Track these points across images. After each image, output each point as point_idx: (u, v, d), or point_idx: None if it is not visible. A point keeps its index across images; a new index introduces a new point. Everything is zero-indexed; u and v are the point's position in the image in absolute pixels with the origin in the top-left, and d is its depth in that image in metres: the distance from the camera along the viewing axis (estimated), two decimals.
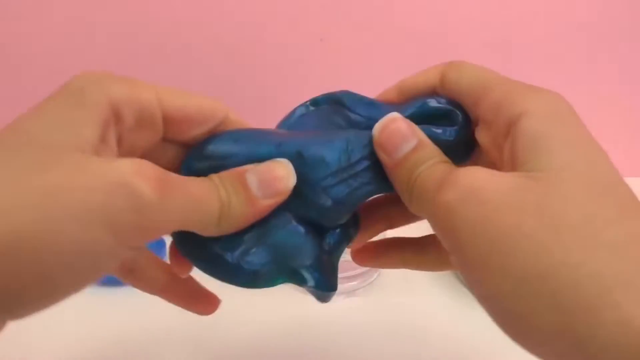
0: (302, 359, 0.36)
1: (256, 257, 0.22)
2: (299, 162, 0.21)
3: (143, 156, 0.20)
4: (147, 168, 0.17)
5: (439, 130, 0.22)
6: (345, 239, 0.24)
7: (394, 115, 0.22)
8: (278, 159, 0.22)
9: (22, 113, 0.19)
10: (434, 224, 0.20)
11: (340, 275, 0.43)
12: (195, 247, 0.22)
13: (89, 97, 0.19)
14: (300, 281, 0.22)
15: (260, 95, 0.60)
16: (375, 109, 0.24)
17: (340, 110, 0.25)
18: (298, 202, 0.22)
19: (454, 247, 0.18)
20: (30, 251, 0.15)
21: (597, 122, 0.66)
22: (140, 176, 0.17)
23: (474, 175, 0.18)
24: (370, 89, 0.66)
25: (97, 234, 0.16)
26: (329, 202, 0.22)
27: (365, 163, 0.22)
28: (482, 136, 0.21)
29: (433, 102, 0.23)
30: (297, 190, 0.21)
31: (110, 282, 0.43)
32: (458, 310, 0.41)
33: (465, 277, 0.19)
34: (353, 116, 0.24)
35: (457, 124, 0.23)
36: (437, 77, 0.23)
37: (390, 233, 0.27)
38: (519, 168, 0.18)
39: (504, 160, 0.19)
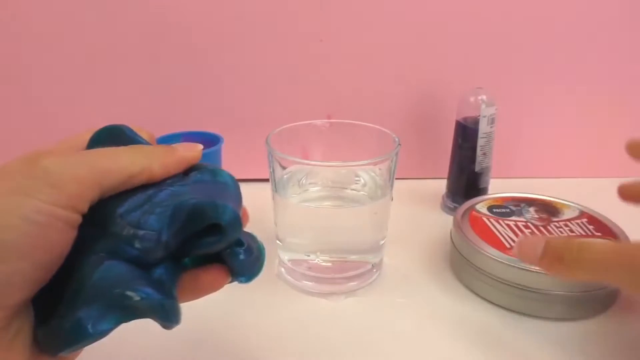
0: (302, 359, 0.37)
1: (79, 312, 0.21)
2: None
3: None
4: None
5: None
6: (177, 269, 0.25)
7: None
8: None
9: None
10: None
11: (340, 275, 0.43)
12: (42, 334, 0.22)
13: None
14: (132, 306, 0.22)
15: (261, 95, 0.60)
16: None
17: None
18: (105, 240, 0.23)
19: None
20: None
21: (600, 122, 0.67)
22: None
23: None
24: (370, 89, 0.66)
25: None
26: (131, 231, 0.23)
27: (167, 190, 0.24)
28: None
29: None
30: (103, 231, 0.23)
31: None
32: (457, 311, 0.41)
33: None
34: None
35: None
36: None
37: None
38: None
39: None
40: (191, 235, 0.23)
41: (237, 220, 0.24)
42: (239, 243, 0.25)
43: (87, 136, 0.26)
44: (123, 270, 0.22)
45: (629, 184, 0.39)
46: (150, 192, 0.24)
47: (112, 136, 0.26)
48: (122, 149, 0.24)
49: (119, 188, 0.23)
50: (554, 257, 0.32)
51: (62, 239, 0.22)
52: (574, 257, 0.31)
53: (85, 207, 0.22)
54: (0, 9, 0.55)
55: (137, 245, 0.23)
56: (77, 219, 0.22)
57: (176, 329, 0.39)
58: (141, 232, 0.23)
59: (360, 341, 0.38)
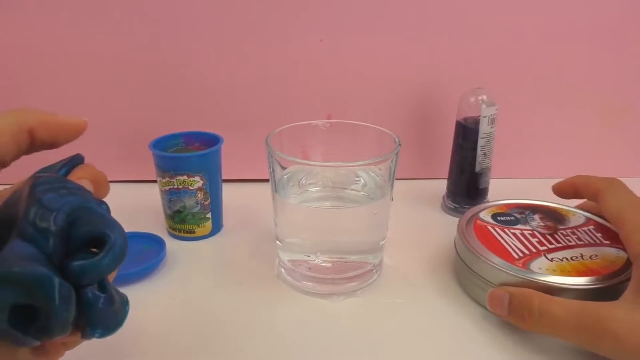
0: (302, 359, 0.36)
1: None
2: None
3: None
4: None
5: None
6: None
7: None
8: None
9: None
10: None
11: (340, 275, 0.43)
12: None
13: None
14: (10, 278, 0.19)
15: (261, 95, 0.60)
16: None
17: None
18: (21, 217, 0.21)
19: None
20: None
21: (600, 123, 0.67)
22: None
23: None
24: (370, 89, 0.66)
25: None
26: (32, 207, 0.21)
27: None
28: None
29: None
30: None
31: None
32: (457, 312, 0.41)
33: None
34: None
35: None
36: (594, 192, 0.40)
37: None
38: None
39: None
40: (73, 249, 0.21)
41: (125, 243, 0.22)
42: (102, 287, 0.22)
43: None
44: (25, 251, 0.20)
45: (559, 184, 0.45)
46: (67, 181, 0.23)
47: None
48: None
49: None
50: (517, 316, 0.36)
51: None
52: (534, 320, 0.35)
53: None
54: (4, 9, 0.56)
55: (37, 222, 0.21)
56: None
57: (176, 329, 0.39)
58: (40, 209, 0.21)
59: (360, 342, 0.38)
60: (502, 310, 0.37)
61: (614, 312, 0.32)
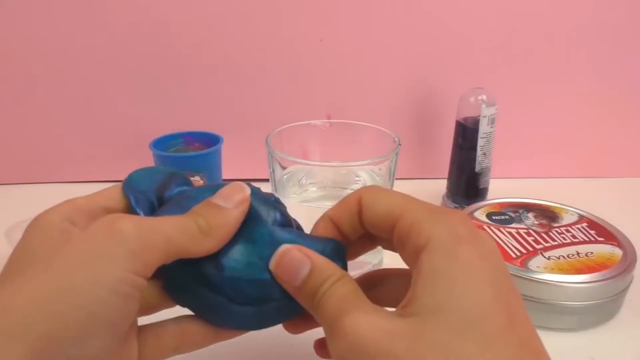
0: (302, 359, 0.36)
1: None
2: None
3: None
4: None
5: None
6: None
7: (285, 246, 0.24)
8: (232, 184, 0.26)
9: None
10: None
11: None
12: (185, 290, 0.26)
13: None
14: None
15: (261, 95, 0.60)
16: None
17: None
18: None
19: None
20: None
21: (600, 122, 0.67)
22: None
23: (357, 325, 0.20)
24: (370, 89, 0.66)
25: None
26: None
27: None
28: (404, 259, 0.23)
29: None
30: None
31: None
32: None
33: None
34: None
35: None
36: (356, 205, 0.25)
37: None
38: (408, 304, 0.20)
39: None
40: None
41: None
42: None
43: (114, 193, 0.25)
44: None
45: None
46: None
47: (151, 175, 0.27)
48: (185, 221, 0.23)
49: (175, 258, 0.23)
50: (308, 296, 0.24)
51: (136, 307, 0.21)
52: (314, 311, 0.24)
53: (150, 275, 0.21)
54: (4, 13, 0.56)
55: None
56: (145, 285, 0.21)
57: None
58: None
59: None
60: (294, 280, 0.24)
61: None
